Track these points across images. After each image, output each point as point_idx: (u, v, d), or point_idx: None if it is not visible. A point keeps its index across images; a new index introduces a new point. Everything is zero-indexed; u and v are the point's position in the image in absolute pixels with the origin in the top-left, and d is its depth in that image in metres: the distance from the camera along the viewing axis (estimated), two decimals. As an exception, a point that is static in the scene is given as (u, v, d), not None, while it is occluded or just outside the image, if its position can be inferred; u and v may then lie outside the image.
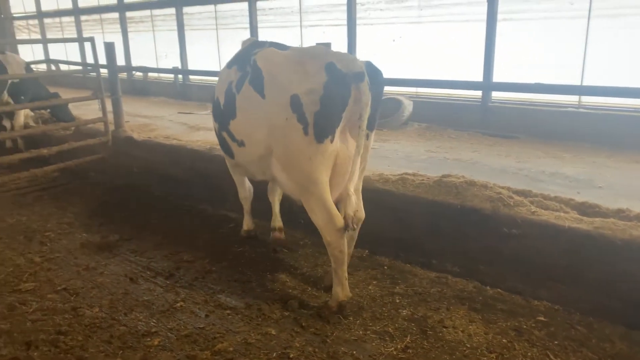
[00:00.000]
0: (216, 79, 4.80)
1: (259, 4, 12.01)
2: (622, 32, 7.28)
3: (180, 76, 13.93)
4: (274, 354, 3.40)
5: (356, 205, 3.83)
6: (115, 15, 16.09)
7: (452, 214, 4.54)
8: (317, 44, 5.23)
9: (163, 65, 14.80)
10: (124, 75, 15.32)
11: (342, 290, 3.85)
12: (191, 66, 13.98)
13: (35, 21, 20.38)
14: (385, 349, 3.45)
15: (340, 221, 3.69)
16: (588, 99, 7.82)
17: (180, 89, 13.87)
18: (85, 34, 17.31)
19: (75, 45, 17.95)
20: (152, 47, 15.18)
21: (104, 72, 8.34)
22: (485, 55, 8.43)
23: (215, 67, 11.86)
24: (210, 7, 13.14)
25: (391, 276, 4.48)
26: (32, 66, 9.95)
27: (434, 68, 9.19)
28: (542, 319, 3.78)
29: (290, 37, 11.37)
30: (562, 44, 7.88)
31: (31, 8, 20.28)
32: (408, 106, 9.00)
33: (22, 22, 21.15)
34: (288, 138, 3.68)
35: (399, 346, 3.48)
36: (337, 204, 3.85)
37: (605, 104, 7.64)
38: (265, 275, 4.53)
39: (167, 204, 6.46)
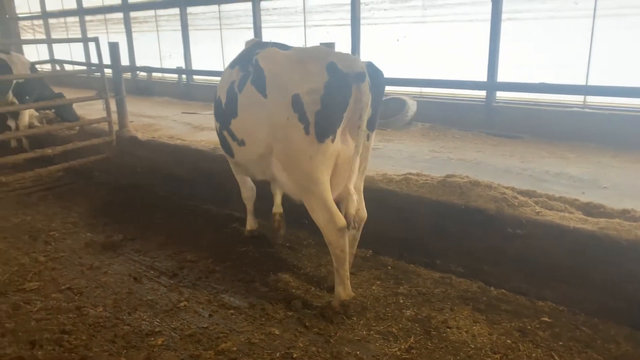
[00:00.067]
0: (220, 79, 4.82)
1: (262, 4, 12.02)
2: (628, 32, 7.24)
3: (184, 76, 13.95)
4: (278, 354, 3.40)
5: (357, 204, 3.84)
6: (120, 15, 16.13)
7: (456, 214, 4.53)
8: (321, 44, 5.22)
9: (167, 65, 14.82)
10: (128, 75, 15.36)
11: (344, 290, 3.84)
12: (195, 66, 14.01)
13: (40, 21, 20.46)
14: (388, 349, 3.44)
15: (341, 221, 3.69)
16: (593, 99, 7.78)
17: (184, 89, 13.89)
18: (90, 34, 17.36)
19: (80, 45, 18.00)
20: (156, 47, 15.21)
21: (108, 72, 8.36)
22: (490, 55, 8.40)
23: (219, 67, 11.87)
24: (214, 7, 13.15)
25: (395, 276, 4.47)
26: (37, 66, 9.98)
27: (438, 68, 9.17)
28: (547, 319, 3.77)
29: (294, 37, 11.37)
30: (567, 44, 7.85)
31: (36, 8, 20.36)
32: (412, 106, 8.98)
33: (27, 23, 21.24)
34: (289, 137, 3.69)
35: (402, 346, 3.47)
36: (339, 203, 3.85)
37: (611, 103, 7.60)
38: (269, 275, 4.53)
39: (171, 204, 6.47)
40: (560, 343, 3.50)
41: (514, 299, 4.08)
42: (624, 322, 3.67)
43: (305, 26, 11.29)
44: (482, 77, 8.56)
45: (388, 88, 9.52)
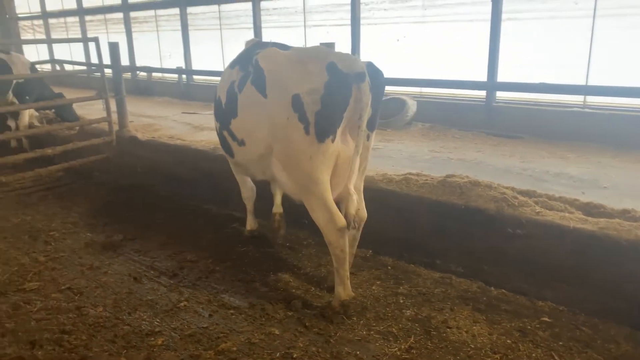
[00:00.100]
0: (220, 79, 4.82)
1: (262, 4, 12.02)
2: (628, 32, 7.23)
3: (184, 76, 13.94)
4: (278, 354, 3.40)
5: (357, 204, 3.85)
6: (120, 15, 16.13)
7: (456, 214, 4.53)
8: (321, 44, 5.23)
9: (167, 65, 14.82)
10: (128, 75, 15.36)
11: (343, 290, 3.85)
12: (195, 66, 14.00)
13: (40, 21, 20.46)
14: (388, 349, 3.44)
15: (341, 220, 3.69)
16: (593, 99, 7.78)
17: (184, 89, 13.89)
18: (90, 34, 17.36)
19: (80, 45, 18.00)
20: (156, 47, 15.21)
21: (108, 72, 8.37)
22: (490, 55, 8.40)
23: (219, 67, 11.86)
24: (214, 7, 13.15)
25: (395, 276, 4.47)
26: (37, 66, 9.98)
27: (438, 68, 9.16)
28: (547, 319, 3.77)
29: (294, 37, 11.37)
30: (567, 44, 7.85)
31: (36, 8, 20.36)
32: (412, 106, 8.98)
33: (27, 23, 21.24)
34: (289, 137, 3.69)
35: (402, 346, 3.47)
36: (339, 203, 3.86)
37: (611, 103, 7.60)
38: (269, 275, 4.53)
39: (171, 204, 6.47)
40: (560, 343, 3.50)
41: (514, 299, 4.08)
42: (624, 322, 3.67)
43: (305, 26, 11.29)
44: (482, 77, 8.56)
45: (388, 88, 9.51)
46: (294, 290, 4.25)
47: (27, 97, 8.69)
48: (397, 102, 9.12)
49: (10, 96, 8.59)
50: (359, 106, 3.53)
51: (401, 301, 4.06)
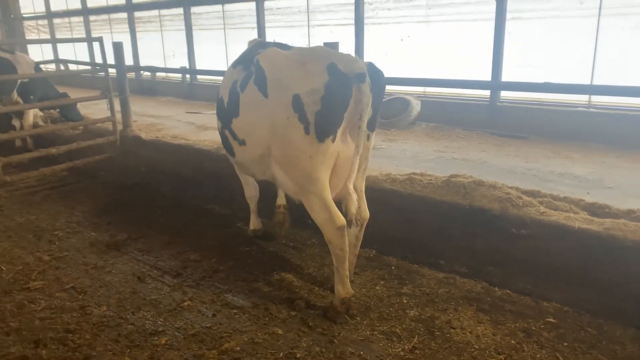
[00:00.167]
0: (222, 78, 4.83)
1: (266, 4, 12.02)
2: (633, 31, 7.19)
3: (188, 76, 13.96)
4: (281, 354, 3.40)
5: (358, 204, 3.88)
6: (124, 15, 16.16)
7: (460, 214, 4.51)
8: (325, 43, 5.23)
9: (171, 65, 14.84)
10: (132, 75, 15.37)
11: (343, 288, 3.85)
12: (199, 66, 14.02)
13: (45, 21, 20.52)
14: (392, 350, 3.44)
15: (340, 220, 3.70)
16: (598, 99, 7.73)
17: (187, 88, 13.90)
18: (94, 34, 17.40)
19: (84, 45, 18.05)
20: (160, 46, 15.23)
21: (113, 71, 8.38)
22: (494, 54, 8.37)
23: (223, 67, 11.87)
24: (218, 7, 13.16)
25: (399, 276, 4.47)
26: (42, 66, 10.02)
27: (442, 67, 9.14)
28: (552, 320, 3.75)
29: (297, 37, 11.36)
30: (571, 43, 7.81)
31: (40, 8, 20.42)
32: (416, 106, 8.96)
33: (32, 23, 21.31)
34: (289, 137, 3.70)
35: (406, 347, 3.46)
36: (339, 203, 3.87)
37: (616, 103, 7.56)
38: (272, 275, 4.52)
39: (175, 204, 6.48)
40: (565, 344, 3.48)
41: (519, 300, 4.07)
42: (630, 323, 3.65)
43: (308, 26, 11.28)
44: (487, 76, 8.53)
45: (392, 88, 9.57)
46: (297, 290, 4.25)
47: (32, 97, 8.73)
48: (401, 101, 9.10)
49: (15, 96, 8.63)
50: (359, 107, 3.55)
51: (405, 301, 4.05)
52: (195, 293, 4.23)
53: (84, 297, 4.22)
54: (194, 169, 6.91)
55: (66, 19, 19.58)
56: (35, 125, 9.11)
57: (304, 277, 4.48)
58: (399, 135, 8.27)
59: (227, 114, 4.37)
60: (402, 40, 9.75)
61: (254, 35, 11.94)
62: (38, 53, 19.92)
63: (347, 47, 10.07)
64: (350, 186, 3.74)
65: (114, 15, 16.90)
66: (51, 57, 19.26)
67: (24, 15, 21.28)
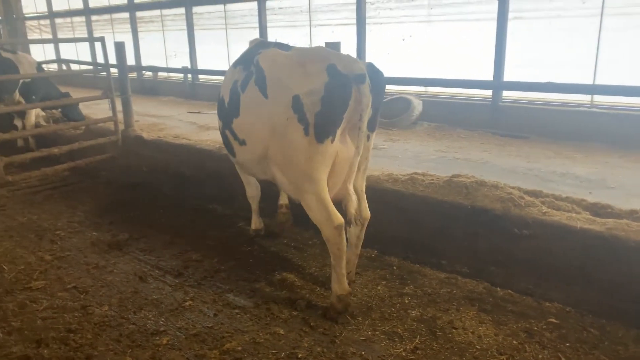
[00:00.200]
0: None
1: (268, 4, 12.01)
2: (636, 31, 7.17)
3: (189, 76, 13.96)
4: (283, 354, 3.40)
5: (358, 204, 3.90)
6: (126, 15, 16.17)
7: (462, 214, 4.51)
8: (326, 43, 5.23)
9: (172, 64, 14.84)
10: (133, 74, 15.38)
11: (339, 286, 3.85)
12: (200, 66, 14.01)
13: (47, 21, 20.54)
14: (394, 350, 3.43)
15: (338, 219, 3.71)
16: (601, 99, 7.71)
17: (189, 88, 13.90)
18: (96, 34, 17.41)
19: (86, 45, 18.06)
20: (161, 46, 15.23)
21: (114, 71, 8.39)
22: (496, 54, 8.35)
23: (225, 67, 11.83)
24: (220, 7, 13.15)
25: (400, 276, 4.46)
26: (44, 66, 10.03)
27: (444, 67, 9.12)
28: (554, 320, 3.74)
29: (299, 37, 11.36)
30: (574, 43, 7.79)
31: (43, 8, 20.44)
32: (418, 105, 8.94)
33: (34, 22, 21.33)
34: (288, 138, 3.71)
35: (408, 347, 3.45)
36: (339, 203, 3.87)
37: (618, 103, 7.53)
38: (274, 274, 4.52)
39: (176, 203, 6.48)
40: (567, 344, 3.47)
41: (521, 300, 4.06)
42: (632, 323, 3.64)
43: (310, 25, 11.27)
44: (489, 76, 8.51)
45: (394, 87, 9.54)
46: (299, 290, 4.25)
47: (34, 97, 8.74)
48: (402, 101, 9.09)
49: (17, 95, 8.64)
50: (359, 107, 3.56)
51: (407, 301, 4.04)
52: (197, 293, 4.23)
53: (85, 296, 4.23)
54: (196, 169, 6.92)
55: (68, 19, 19.60)
56: (37, 125, 9.12)
57: (306, 277, 4.47)
58: (401, 135, 8.25)
59: (227, 114, 4.37)
60: (403, 40, 9.73)
61: (255, 35, 11.94)
62: (40, 53, 19.94)
63: (348, 46, 10.06)
64: (351, 187, 3.77)
65: (115, 15, 16.91)
66: (53, 57, 19.27)
67: (26, 15, 21.30)
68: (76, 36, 18.92)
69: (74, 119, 9.39)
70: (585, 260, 3.91)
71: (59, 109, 9.69)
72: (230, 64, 4.71)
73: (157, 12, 15.15)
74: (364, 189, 4.09)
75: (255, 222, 5.33)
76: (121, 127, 8.20)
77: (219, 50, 13.29)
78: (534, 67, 8.14)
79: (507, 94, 8.65)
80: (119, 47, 8.17)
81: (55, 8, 19.95)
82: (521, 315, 3.83)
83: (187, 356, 3.41)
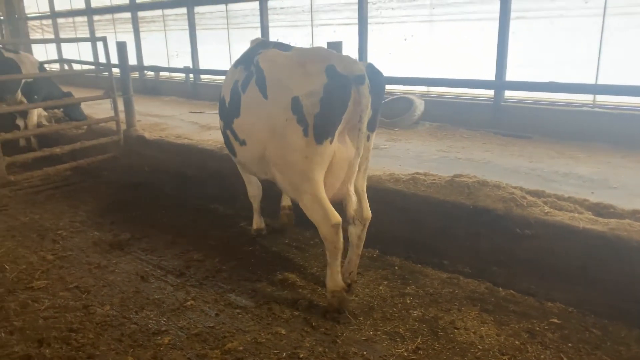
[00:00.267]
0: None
1: (270, 3, 12.01)
2: (638, 30, 7.15)
3: (191, 75, 13.97)
4: (284, 354, 3.39)
5: (358, 204, 3.91)
6: (127, 15, 16.19)
7: (464, 214, 4.50)
8: (328, 43, 5.23)
9: (174, 64, 14.85)
10: (135, 74, 15.41)
11: (332, 282, 3.87)
12: (202, 65, 14.03)
13: (49, 21, 20.58)
14: (395, 350, 3.42)
15: (335, 217, 3.73)
16: (603, 98, 7.69)
17: (191, 88, 13.91)
18: (98, 34, 17.43)
19: (88, 44, 18.08)
20: (163, 46, 15.25)
21: (116, 71, 8.40)
22: (498, 54, 8.34)
23: (226, 67, 11.84)
24: (222, 7, 13.16)
25: (402, 276, 4.45)
26: (46, 66, 10.03)
27: (446, 67, 9.11)
28: (556, 321, 3.73)
29: (301, 36, 11.36)
30: (576, 42, 7.77)
31: (45, 8, 20.48)
32: (419, 105, 8.94)
33: (36, 22, 21.37)
34: (287, 139, 3.72)
35: (409, 347, 3.45)
36: (339, 203, 3.87)
37: (621, 103, 7.51)
38: (275, 274, 4.52)
39: (178, 203, 6.48)
40: (570, 345, 3.46)
41: (523, 300, 4.05)
42: (635, 324, 3.63)
43: (312, 25, 11.27)
44: (491, 76, 8.50)
45: (396, 87, 9.53)
46: (300, 290, 4.24)
47: (36, 97, 8.75)
48: (404, 101, 9.08)
49: (19, 95, 8.66)
50: (359, 108, 3.56)
51: (408, 301, 4.04)
52: (199, 293, 4.23)
53: (87, 296, 4.23)
54: (198, 169, 6.92)
55: (70, 19, 19.63)
56: (39, 125, 9.13)
57: (307, 277, 4.47)
58: (403, 135, 8.25)
59: (228, 114, 4.39)
60: (405, 39, 9.73)
61: (257, 34, 11.94)
62: (42, 53, 19.97)
63: (350, 46, 10.06)
64: (351, 187, 3.78)
65: (117, 15, 16.93)
66: (55, 56, 19.29)
67: (28, 15, 21.34)
68: (78, 36, 18.96)
69: (76, 119, 9.40)
70: (588, 261, 3.90)
71: (61, 109, 9.70)
72: (232, 63, 4.72)
73: (159, 12, 15.17)
74: (364, 189, 4.09)
75: (257, 222, 5.33)
76: (123, 126, 8.21)
77: (221, 50, 13.30)
78: (536, 67, 8.13)
79: (509, 93, 8.64)
80: (121, 47, 8.17)
81: (57, 8, 19.99)
82: (523, 316, 3.82)
83: (188, 356, 3.41)
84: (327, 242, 3.79)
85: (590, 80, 7.58)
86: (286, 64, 3.84)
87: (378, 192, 4.82)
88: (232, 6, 12.92)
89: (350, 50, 10.03)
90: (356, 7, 10.13)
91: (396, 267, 4.63)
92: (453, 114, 8.97)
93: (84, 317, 3.90)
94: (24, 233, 5.62)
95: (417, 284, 4.31)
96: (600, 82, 7.51)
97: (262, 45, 4.49)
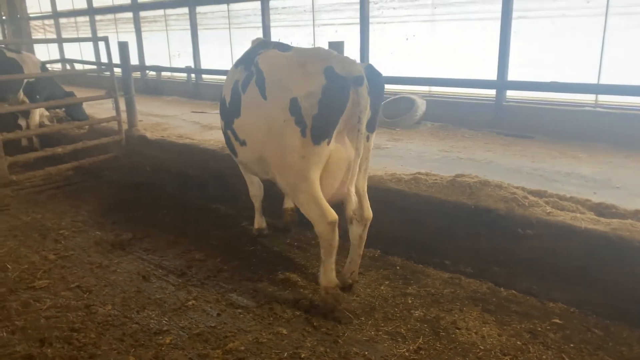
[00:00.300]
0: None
1: (271, 3, 12.01)
2: (641, 30, 7.14)
3: (193, 75, 13.98)
4: (285, 354, 3.39)
5: (358, 203, 3.91)
6: (129, 14, 16.21)
7: (466, 214, 4.49)
8: (330, 42, 5.23)
9: (176, 64, 14.86)
10: (137, 74, 15.42)
11: (326, 278, 3.89)
12: (204, 65, 14.03)
13: (51, 21, 20.60)
14: (397, 350, 3.42)
15: (332, 215, 3.74)
16: (605, 98, 7.67)
17: (192, 88, 13.92)
18: (100, 34, 17.45)
19: (90, 44, 18.11)
20: (165, 46, 15.26)
21: (118, 71, 8.40)
22: (500, 53, 8.33)
23: (228, 67, 11.85)
24: (223, 7, 13.16)
25: (403, 276, 4.45)
26: (48, 65, 10.05)
27: (447, 67, 9.10)
28: (558, 321, 3.73)
29: (302, 36, 11.35)
30: (578, 42, 7.76)
31: (47, 8, 20.50)
32: (421, 105, 8.93)
33: (38, 22, 21.40)
34: (285, 139, 3.73)
35: (411, 347, 3.45)
36: (340, 203, 3.88)
37: (623, 103, 7.50)
38: (277, 274, 4.52)
39: (180, 203, 6.49)
40: (572, 345, 3.46)
41: (524, 300, 4.04)
42: (637, 324, 3.62)
43: (314, 25, 11.27)
44: (492, 76, 8.48)
45: (397, 87, 9.51)
46: (302, 290, 4.24)
47: (38, 96, 8.77)
48: (406, 101, 9.07)
49: (21, 95, 8.67)
50: (357, 109, 3.56)
51: (410, 301, 4.03)
52: (200, 292, 4.23)
53: (89, 296, 4.24)
54: (199, 169, 6.92)
55: (72, 19, 19.65)
56: (41, 125, 9.15)
57: (309, 277, 4.46)
58: (404, 135, 8.24)
59: (229, 114, 4.40)
60: (407, 39, 9.72)
61: (259, 34, 11.94)
62: (44, 53, 19.99)
63: (352, 46, 10.05)
64: (352, 188, 3.77)
65: (119, 15, 16.94)
66: (57, 56, 19.33)
67: (31, 15, 21.38)
68: (80, 36, 18.98)
69: (77, 119, 9.42)
70: (590, 261, 3.89)
71: (63, 109, 9.72)
72: (233, 63, 4.73)
73: (160, 11, 15.18)
74: (365, 189, 4.09)
75: (258, 222, 5.33)
76: (125, 126, 8.22)
77: (223, 50, 13.30)
78: (538, 67, 8.11)
79: (511, 93, 8.63)
80: (123, 47, 8.18)
81: (59, 8, 20.02)
82: (525, 316, 3.81)
83: (190, 356, 3.41)
84: (323, 239, 3.80)
85: (592, 80, 7.56)
86: (285, 65, 3.85)
87: (380, 192, 4.81)
88: (234, 6, 12.93)
89: (352, 50, 10.03)
90: (358, 6, 10.12)
91: (398, 267, 4.63)
92: (455, 114, 8.95)
93: (86, 316, 3.91)
94: (26, 233, 5.63)
95: (419, 284, 4.30)
96: (603, 82, 7.50)
97: (262, 45, 4.50)
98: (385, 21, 9.97)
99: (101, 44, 16.70)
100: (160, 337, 3.61)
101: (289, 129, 3.66)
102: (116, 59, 8.19)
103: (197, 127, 9.27)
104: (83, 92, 10.10)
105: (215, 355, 3.38)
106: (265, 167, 4.20)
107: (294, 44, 4.38)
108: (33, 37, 20.82)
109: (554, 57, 8.00)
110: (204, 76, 14.02)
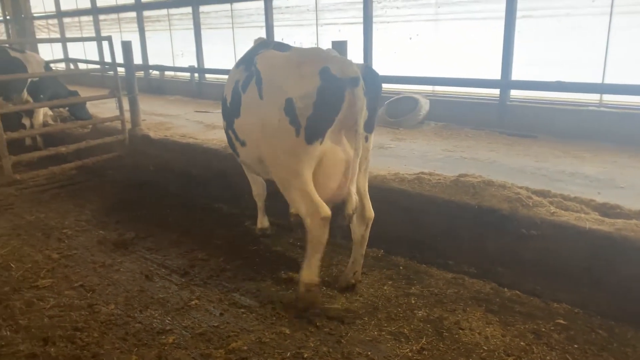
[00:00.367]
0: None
1: (275, 3, 12.00)
2: (646, 29, 7.10)
3: (196, 75, 13.99)
4: (288, 354, 3.39)
5: (360, 203, 3.90)
6: (133, 14, 16.23)
7: (469, 214, 4.48)
8: (333, 42, 5.22)
9: (179, 64, 14.88)
10: (140, 73, 15.42)
11: (309, 272, 3.84)
12: (207, 65, 14.04)
13: (55, 20, 20.65)
14: (400, 350, 3.41)
15: (325, 211, 3.71)
16: (610, 98, 7.64)
17: (196, 87, 13.93)
18: (104, 33, 17.48)
19: (94, 44, 18.15)
20: (168, 45, 15.28)
21: (122, 70, 8.41)
22: (504, 53, 8.30)
23: (231, 66, 11.86)
24: (227, 6, 13.17)
25: (407, 276, 4.44)
26: (52, 65, 10.07)
27: (451, 66, 9.07)
28: (562, 322, 3.71)
29: (306, 36, 11.34)
30: (582, 41, 7.72)
31: (51, 8, 20.56)
32: (425, 105, 8.91)
33: (42, 22, 21.45)
34: (279, 139, 3.73)
35: (414, 347, 3.44)
36: (340, 203, 3.87)
37: (628, 102, 7.46)
38: (280, 274, 4.51)
39: (183, 202, 6.49)
40: (576, 346, 3.44)
41: (528, 301, 4.03)
42: (641, 325, 3.60)
43: (317, 24, 11.25)
44: (496, 75, 8.46)
45: (401, 86, 9.49)
46: (304, 290, 4.23)
47: (42, 96, 8.79)
48: (409, 100, 9.05)
49: (25, 94, 8.69)
50: (354, 110, 3.56)
51: (413, 302, 4.02)
52: (203, 292, 4.23)
53: (92, 295, 4.24)
54: (203, 168, 6.92)
55: (76, 18, 19.69)
56: (45, 124, 9.16)
57: (312, 277, 4.45)
58: (408, 135, 8.22)
59: (230, 114, 4.41)
60: (410, 38, 9.70)
61: (262, 34, 11.94)
62: (48, 52, 20.06)
63: (355, 45, 10.03)
64: (353, 188, 3.77)
65: (123, 15, 16.97)
66: (61, 56, 19.38)
67: (35, 15, 21.43)
68: (84, 35, 19.01)
69: (81, 118, 9.44)
70: (594, 261, 3.87)
71: (67, 108, 9.74)
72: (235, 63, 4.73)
73: (164, 11, 15.20)
74: (366, 189, 4.09)
75: (261, 221, 5.33)
76: (128, 126, 8.23)
77: (226, 49, 13.30)
78: (542, 66, 8.08)
79: (514, 93, 8.59)
80: (126, 46, 8.19)
81: (63, 7, 20.06)
82: (529, 316, 3.80)
83: (192, 355, 3.41)
84: (312, 235, 3.77)
85: (597, 79, 7.53)
86: (282, 65, 3.85)
87: (383, 192, 4.80)
88: (237, 5, 12.93)
89: (355, 49, 10.01)
90: (361, 6, 10.10)
91: (401, 267, 4.62)
92: (458, 114, 8.93)
93: (89, 315, 3.91)
94: (30, 232, 5.65)
95: (422, 284, 4.29)
96: (607, 81, 7.46)
97: (262, 45, 4.51)
98: (388, 20, 9.95)
99: (105, 44, 16.81)
100: (163, 337, 3.61)
101: (283, 129, 3.66)
102: (120, 59, 8.20)
103: (201, 127, 9.27)
104: (86, 92, 10.13)
105: (218, 354, 3.38)
106: (266, 167, 4.20)
107: (297, 44, 4.38)
108: (37, 37, 20.89)
109: (558, 56, 7.96)
110: (207, 75, 14.03)
